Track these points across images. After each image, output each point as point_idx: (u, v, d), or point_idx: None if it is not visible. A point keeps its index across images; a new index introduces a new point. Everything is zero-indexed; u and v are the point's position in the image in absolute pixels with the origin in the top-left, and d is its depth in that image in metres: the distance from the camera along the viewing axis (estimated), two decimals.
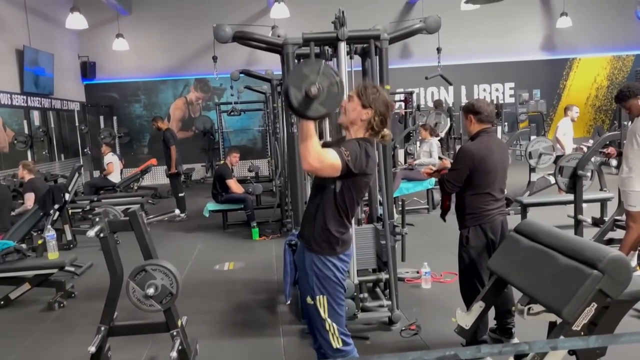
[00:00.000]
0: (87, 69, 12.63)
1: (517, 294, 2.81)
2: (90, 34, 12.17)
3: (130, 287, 3.00)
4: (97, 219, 3.04)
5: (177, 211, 3.76)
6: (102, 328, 3.13)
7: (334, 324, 2.33)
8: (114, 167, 9.52)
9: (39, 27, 10.37)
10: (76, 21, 9.99)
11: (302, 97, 2.04)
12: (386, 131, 2.38)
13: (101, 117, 12.87)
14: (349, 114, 2.33)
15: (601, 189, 6.64)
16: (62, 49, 11.63)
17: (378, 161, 3.83)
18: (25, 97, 9.66)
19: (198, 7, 12.10)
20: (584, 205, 5.27)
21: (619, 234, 5.05)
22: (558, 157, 7.13)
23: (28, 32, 9.70)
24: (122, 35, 11.73)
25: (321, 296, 2.31)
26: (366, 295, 3.88)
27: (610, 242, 5.20)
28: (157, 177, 12.25)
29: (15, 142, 9.06)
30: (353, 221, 3.57)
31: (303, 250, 2.38)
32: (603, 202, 6.13)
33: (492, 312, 3.19)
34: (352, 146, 2.23)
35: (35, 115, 10.15)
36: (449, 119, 9.79)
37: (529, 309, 2.54)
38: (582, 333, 2.23)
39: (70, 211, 6.96)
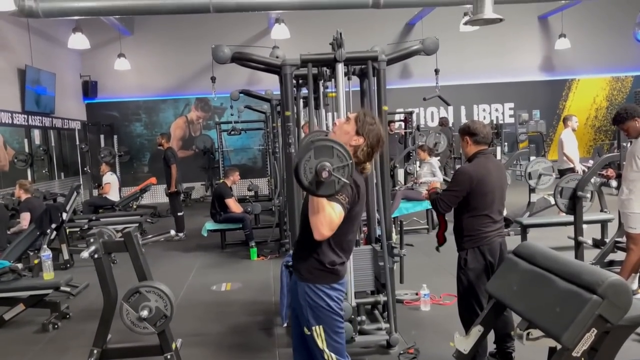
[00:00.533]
0: (89, 88, 12.70)
1: (517, 318, 2.77)
2: (92, 54, 12.27)
3: (124, 309, 2.96)
4: (92, 240, 3.02)
5: (172, 232, 3.71)
6: (95, 351, 3.10)
7: (333, 354, 2.27)
8: (111, 187, 9.51)
9: (42, 47, 10.46)
10: (78, 41, 10.12)
11: (312, 175, 1.99)
12: (368, 165, 2.35)
13: (102, 136, 12.90)
14: (340, 134, 2.28)
15: (602, 210, 6.60)
16: (64, 69, 11.72)
17: (377, 181, 3.82)
18: (26, 116, 9.69)
19: (199, 28, 12.20)
20: (585, 226, 5.22)
21: (620, 255, 5.01)
22: (567, 171, 7.08)
23: (30, 52, 9.78)
24: (123, 55, 11.84)
25: (317, 327, 2.26)
26: (364, 317, 3.82)
27: (611, 264, 5.15)
28: (157, 195, 12.23)
29: (16, 160, 9.07)
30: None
31: (295, 279, 2.33)
32: (604, 224, 6.09)
33: (491, 336, 3.14)
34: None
35: (36, 134, 10.18)
36: (452, 138, 9.82)
37: (528, 333, 2.49)
38: (583, 359, 2.18)
39: (68, 230, 6.93)
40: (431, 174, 7.62)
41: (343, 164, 2.02)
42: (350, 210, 2.20)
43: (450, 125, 12.14)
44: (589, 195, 5.05)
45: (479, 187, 3.10)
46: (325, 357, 2.28)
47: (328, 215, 2.08)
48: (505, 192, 3.32)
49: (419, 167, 8.12)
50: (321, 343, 2.26)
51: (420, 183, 7.52)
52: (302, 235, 2.34)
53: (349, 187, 2.17)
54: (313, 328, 2.26)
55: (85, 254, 2.95)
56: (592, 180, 5.24)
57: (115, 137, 13.00)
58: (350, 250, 2.39)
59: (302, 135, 4.35)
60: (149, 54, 12.90)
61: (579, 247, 4.94)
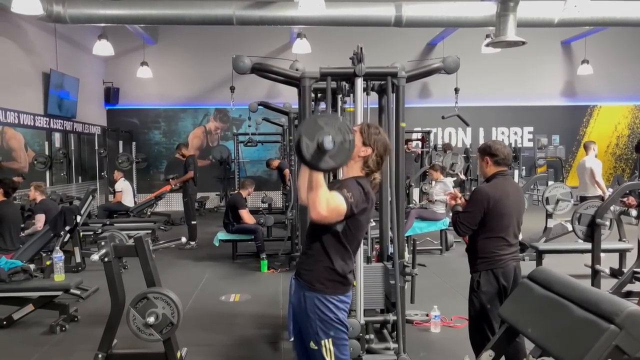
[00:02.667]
0: (111, 95, 12.88)
1: (529, 344, 2.69)
2: (116, 61, 12.48)
3: (131, 314, 2.95)
4: (103, 243, 3.02)
5: (183, 239, 3.70)
6: (100, 356, 3.08)
7: None
8: (123, 194, 9.59)
9: (67, 52, 10.65)
10: (103, 48, 10.29)
11: (314, 148, 1.99)
12: (377, 175, 2.36)
13: (120, 142, 13.05)
14: None
15: (620, 239, 6.46)
16: (88, 74, 11.91)
17: (391, 199, 3.78)
18: (48, 119, 9.85)
19: (222, 39, 12.34)
20: (602, 254, 5.11)
21: (638, 286, 4.88)
22: (585, 199, 6.85)
23: (56, 57, 9.96)
24: (146, 63, 11.99)
25: (326, 340, 2.24)
26: (372, 336, 3.76)
27: (628, 294, 5.01)
28: (171, 203, 12.29)
29: (35, 162, 9.19)
30: (361, 259, 3.51)
31: (302, 292, 2.28)
32: (622, 253, 5.94)
33: None
34: (352, 186, 2.19)
35: (57, 137, 10.33)
36: (464, 159, 9.73)
37: None
38: None
39: (81, 234, 6.97)
40: (444, 192, 7.50)
41: (345, 137, 2.03)
42: (358, 215, 2.20)
43: (469, 147, 12.08)
44: (607, 223, 4.95)
45: (496, 208, 3.04)
46: None
47: (326, 194, 2.07)
48: (522, 216, 3.26)
49: (433, 186, 8.03)
50: (329, 358, 2.23)
51: (435, 201, 7.44)
52: (311, 248, 2.31)
53: (356, 187, 2.18)
54: (322, 342, 2.23)
55: (95, 257, 2.95)
56: (612, 208, 5.13)
57: (133, 143, 13.12)
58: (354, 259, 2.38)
59: None
60: (171, 63, 13.07)
61: (595, 275, 4.84)
